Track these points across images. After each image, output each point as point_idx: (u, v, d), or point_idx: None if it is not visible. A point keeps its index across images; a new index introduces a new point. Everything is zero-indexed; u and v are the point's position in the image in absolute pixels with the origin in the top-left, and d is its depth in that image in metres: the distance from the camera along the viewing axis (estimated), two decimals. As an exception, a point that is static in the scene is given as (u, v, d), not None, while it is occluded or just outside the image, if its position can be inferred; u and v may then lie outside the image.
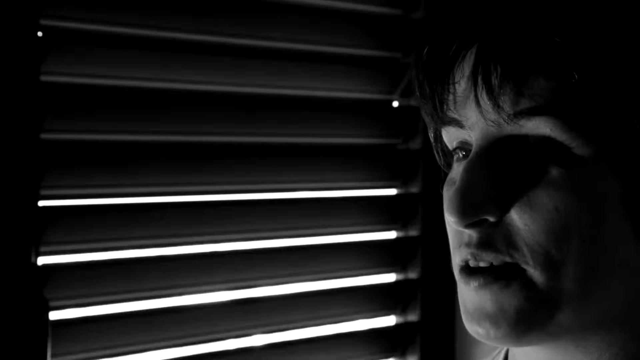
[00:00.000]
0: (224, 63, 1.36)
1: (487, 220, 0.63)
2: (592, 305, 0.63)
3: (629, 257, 0.63)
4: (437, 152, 0.73)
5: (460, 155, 0.67)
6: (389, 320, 1.57)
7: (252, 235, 1.39)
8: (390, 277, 1.57)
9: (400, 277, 1.57)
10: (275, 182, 1.42)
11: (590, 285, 0.62)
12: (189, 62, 1.32)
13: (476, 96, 0.62)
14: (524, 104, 0.60)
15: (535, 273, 0.62)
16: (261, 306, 1.40)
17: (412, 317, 1.57)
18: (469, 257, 0.63)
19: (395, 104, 1.56)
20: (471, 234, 0.63)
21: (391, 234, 1.57)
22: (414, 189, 1.56)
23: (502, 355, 0.76)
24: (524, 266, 0.62)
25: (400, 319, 1.57)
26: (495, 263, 0.63)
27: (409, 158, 1.56)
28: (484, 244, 0.63)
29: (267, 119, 1.41)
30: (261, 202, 1.41)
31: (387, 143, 1.56)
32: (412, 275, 1.56)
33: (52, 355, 1.18)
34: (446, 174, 0.70)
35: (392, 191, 1.57)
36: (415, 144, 1.55)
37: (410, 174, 1.56)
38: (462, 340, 1.60)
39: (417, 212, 1.55)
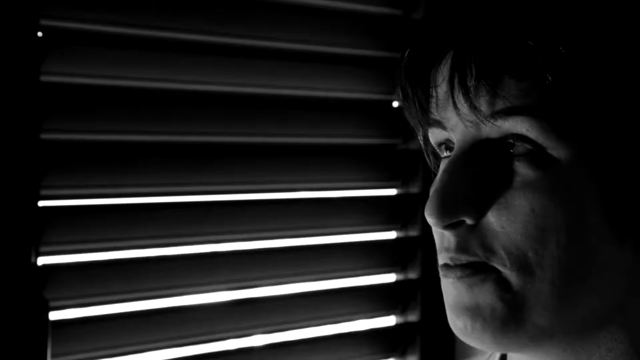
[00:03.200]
0: (224, 63, 1.36)
1: (464, 222, 0.63)
2: (574, 306, 0.62)
3: (610, 256, 0.63)
4: (427, 155, 0.73)
5: (446, 154, 0.68)
6: (389, 320, 1.57)
7: (253, 235, 1.39)
8: (390, 277, 1.57)
9: (400, 277, 1.57)
10: (275, 182, 1.42)
11: (570, 287, 0.62)
12: (189, 62, 1.32)
13: (453, 98, 0.62)
14: (500, 104, 0.61)
15: (512, 275, 0.62)
16: (261, 306, 1.40)
17: (412, 317, 1.57)
18: (448, 261, 0.64)
19: (395, 104, 1.56)
20: (450, 237, 0.64)
21: (391, 234, 1.57)
22: (414, 189, 1.56)
23: (497, 355, 0.76)
24: (501, 268, 0.62)
25: (400, 319, 1.57)
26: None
27: (409, 158, 1.56)
28: (461, 248, 0.63)
29: (267, 119, 1.41)
30: (261, 202, 1.41)
31: (387, 143, 1.56)
32: (412, 275, 1.56)
33: (52, 355, 1.18)
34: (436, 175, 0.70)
35: (392, 191, 1.57)
36: (415, 144, 1.55)
37: (410, 174, 1.56)
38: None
39: (417, 212, 1.55)
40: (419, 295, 1.55)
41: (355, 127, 1.51)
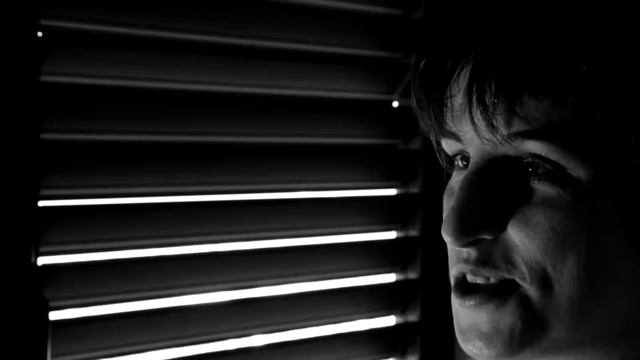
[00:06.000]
0: (224, 63, 1.35)
1: (483, 238, 0.63)
2: (589, 320, 0.63)
3: (628, 271, 0.63)
4: (439, 154, 0.72)
5: (461, 164, 0.67)
6: (389, 320, 1.57)
7: (252, 235, 1.39)
8: (390, 277, 1.57)
9: (400, 277, 1.57)
10: (275, 182, 1.42)
11: (587, 302, 0.62)
12: (189, 62, 1.32)
13: (471, 114, 0.62)
14: (518, 126, 0.60)
15: (531, 289, 0.62)
16: (261, 306, 1.40)
17: (412, 317, 1.57)
18: (467, 272, 0.64)
19: (395, 104, 1.56)
20: (469, 250, 0.63)
21: (391, 234, 1.57)
22: (414, 189, 1.56)
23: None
24: (522, 282, 0.62)
25: (400, 319, 1.57)
26: (492, 279, 0.63)
27: (409, 158, 1.56)
28: (482, 261, 0.63)
29: (267, 119, 1.40)
30: (261, 202, 1.41)
31: (387, 143, 1.56)
32: (412, 275, 1.56)
33: (52, 356, 1.18)
34: (449, 175, 0.70)
35: (392, 191, 1.57)
36: (415, 144, 1.55)
37: (410, 174, 1.56)
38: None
39: (417, 212, 1.55)
40: (419, 295, 1.55)
41: (355, 127, 1.51)
